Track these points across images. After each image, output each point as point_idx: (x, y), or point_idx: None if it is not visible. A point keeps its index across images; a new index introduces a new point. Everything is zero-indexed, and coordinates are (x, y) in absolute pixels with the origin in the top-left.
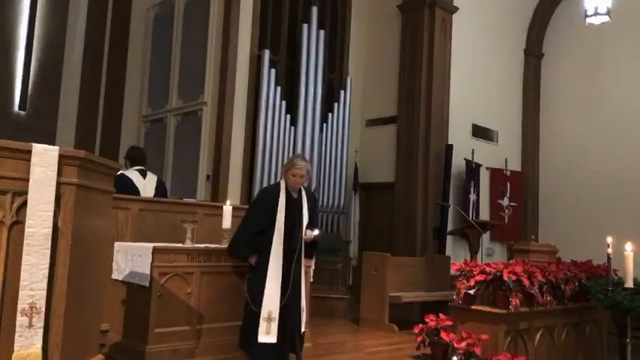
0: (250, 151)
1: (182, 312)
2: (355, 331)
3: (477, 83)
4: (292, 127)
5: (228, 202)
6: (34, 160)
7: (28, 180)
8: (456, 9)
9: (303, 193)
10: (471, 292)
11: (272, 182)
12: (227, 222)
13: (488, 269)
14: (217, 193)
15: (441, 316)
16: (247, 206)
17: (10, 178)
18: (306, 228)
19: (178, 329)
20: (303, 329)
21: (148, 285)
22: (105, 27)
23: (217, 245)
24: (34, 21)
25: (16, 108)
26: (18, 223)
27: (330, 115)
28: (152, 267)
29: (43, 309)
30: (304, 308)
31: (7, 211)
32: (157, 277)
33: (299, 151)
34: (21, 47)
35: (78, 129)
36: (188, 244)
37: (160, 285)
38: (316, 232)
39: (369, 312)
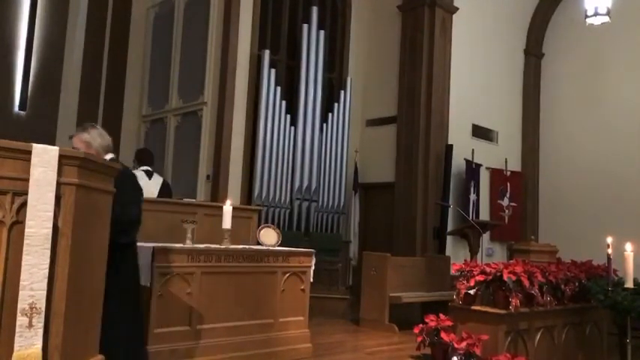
0: (250, 151)
1: (182, 312)
2: (355, 331)
3: (477, 83)
4: (292, 127)
5: (228, 203)
6: (34, 160)
7: (28, 180)
8: (456, 9)
9: None
10: (471, 292)
11: (272, 182)
12: (227, 222)
13: (488, 269)
14: (217, 194)
15: (441, 316)
16: (247, 206)
17: (10, 178)
18: None
19: (178, 329)
20: None
21: (148, 285)
22: (105, 27)
23: (218, 245)
24: (34, 21)
25: (16, 108)
26: (18, 223)
27: (330, 115)
28: (152, 267)
29: (43, 309)
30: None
31: (7, 211)
32: (157, 277)
33: (299, 151)
34: (21, 47)
35: (78, 128)
36: (188, 245)
37: (160, 285)
38: None
39: (369, 312)
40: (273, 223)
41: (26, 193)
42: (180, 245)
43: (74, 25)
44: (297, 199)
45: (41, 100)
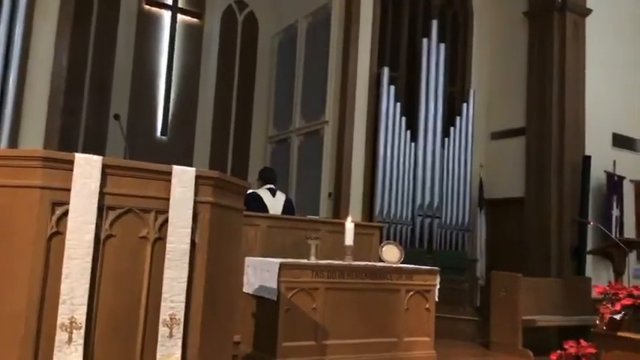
0: (371, 168)
1: (308, 327)
2: (485, 354)
3: (617, 89)
4: (413, 143)
5: (349, 219)
6: (174, 180)
7: (168, 199)
8: (589, 11)
9: None
10: (617, 317)
11: (393, 198)
12: (349, 239)
13: (636, 292)
14: (339, 210)
15: (582, 342)
16: (369, 223)
17: (154, 197)
18: None
19: (305, 344)
20: None
21: (275, 299)
22: (235, 57)
23: (340, 262)
24: (173, 57)
25: (158, 134)
26: (160, 240)
27: (452, 129)
28: (279, 282)
29: (182, 320)
30: None
31: (151, 228)
32: (284, 292)
33: (420, 166)
34: (162, 79)
35: (212, 151)
36: (312, 260)
37: (287, 299)
38: None
39: (499, 335)
40: (395, 239)
41: (167, 212)
42: (305, 261)
43: (207, 57)
44: (419, 215)
45: (180, 126)
